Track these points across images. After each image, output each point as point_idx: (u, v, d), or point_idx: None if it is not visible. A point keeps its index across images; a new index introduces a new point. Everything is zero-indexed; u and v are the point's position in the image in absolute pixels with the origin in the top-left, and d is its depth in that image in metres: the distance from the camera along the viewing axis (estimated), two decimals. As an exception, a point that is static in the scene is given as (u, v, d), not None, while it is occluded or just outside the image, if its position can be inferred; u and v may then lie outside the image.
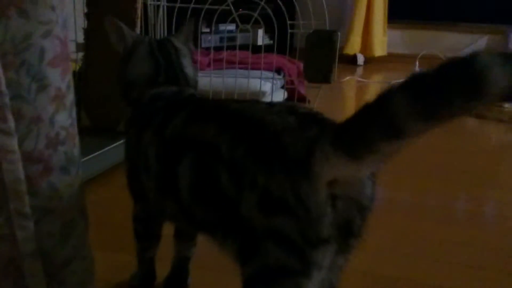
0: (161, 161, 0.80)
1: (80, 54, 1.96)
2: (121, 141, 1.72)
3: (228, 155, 0.68)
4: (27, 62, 0.63)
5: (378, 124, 0.51)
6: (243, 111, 0.73)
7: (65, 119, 0.69)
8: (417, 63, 3.67)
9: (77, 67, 2.06)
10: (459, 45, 4.44)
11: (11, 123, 0.62)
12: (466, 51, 4.39)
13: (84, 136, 1.75)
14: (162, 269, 1.05)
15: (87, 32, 1.92)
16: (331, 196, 0.61)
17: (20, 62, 0.63)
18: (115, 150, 1.69)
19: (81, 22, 1.92)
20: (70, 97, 0.70)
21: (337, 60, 1.90)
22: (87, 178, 1.53)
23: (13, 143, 0.62)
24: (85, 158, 1.55)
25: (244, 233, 0.65)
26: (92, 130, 1.83)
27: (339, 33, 1.84)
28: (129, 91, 0.96)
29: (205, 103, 0.84)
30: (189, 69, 0.97)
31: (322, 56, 1.84)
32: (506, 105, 2.81)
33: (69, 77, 0.69)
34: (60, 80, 0.67)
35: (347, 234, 0.64)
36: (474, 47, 4.46)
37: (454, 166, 1.91)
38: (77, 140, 0.72)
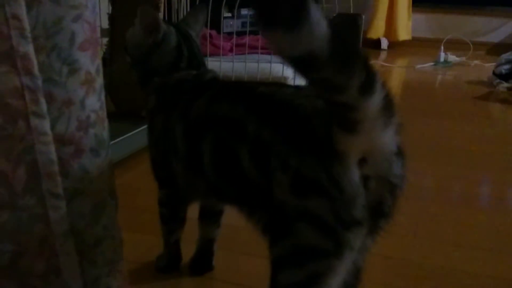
0: (188, 140, 0.82)
1: (105, 40, 1.98)
2: (145, 126, 1.74)
3: (254, 135, 0.69)
4: (58, 46, 0.65)
5: None
6: (271, 94, 0.74)
7: (95, 102, 0.70)
8: (442, 47, 3.60)
9: (102, 53, 2.08)
10: (485, 29, 4.35)
11: (44, 106, 0.64)
12: (493, 35, 4.31)
13: (109, 121, 1.80)
14: (188, 251, 1.07)
15: (111, 17, 1.93)
16: (362, 176, 0.61)
17: (51, 46, 0.64)
18: (140, 134, 1.71)
19: (106, 8, 1.94)
20: (99, 80, 0.71)
21: (361, 44, 1.88)
22: (113, 162, 1.56)
23: (46, 125, 0.64)
24: (110, 143, 1.57)
25: (275, 213, 0.66)
26: (117, 115, 1.85)
27: (363, 17, 1.82)
28: (149, 78, 0.97)
29: (230, 85, 0.85)
30: (200, 53, 1.00)
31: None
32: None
33: (98, 61, 0.71)
34: (90, 63, 0.69)
35: (377, 214, 0.65)
36: (500, 31, 4.36)
37: (478, 151, 1.89)
38: (106, 122, 0.74)
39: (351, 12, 1.91)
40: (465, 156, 1.83)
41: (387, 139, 0.60)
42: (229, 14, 3.72)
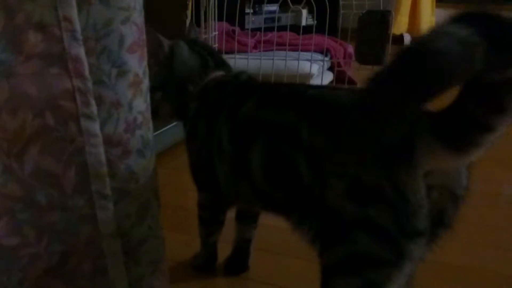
0: (235, 144, 0.81)
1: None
2: (174, 123, 1.75)
3: (309, 141, 0.68)
4: (108, 48, 0.65)
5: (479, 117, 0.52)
6: (323, 97, 0.73)
7: (141, 103, 0.70)
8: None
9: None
10: None
11: (94, 108, 0.64)
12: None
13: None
14: (223, 250, 1.07)
15: (139, 15, 1.94)
16: (427, 186, 0.60)
17: (101, 48, 0.64)
18: (168, 132, 1.72)
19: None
20: (146, 82, 0.72)
21: (390, 41, 1.87)
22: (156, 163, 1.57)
23: (96, 127, 0.64)
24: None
25: (329, 220, 0.65)
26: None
27: (392, 13, 1.80)
28: (183, 88, 0.97)
29: (278, 88, 0.85)
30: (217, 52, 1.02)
31: (375, 37, 1.80)
32: None
33: (145, 63, 0.71)
34: (138, 65, 0.69)
35: (439, 224, 0.64)
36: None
37: (502, 150, 1.86)
38: (151, 124, 0.74)
39: (381, 8, 1.89)
40: (488, 158, 1.80)
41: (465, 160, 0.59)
42: (252, 11, 3.71)
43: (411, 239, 0.60)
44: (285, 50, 2.43)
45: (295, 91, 0.79)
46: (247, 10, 3.69)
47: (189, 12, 1.86)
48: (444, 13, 4.39)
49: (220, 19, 2.80)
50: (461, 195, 0.64)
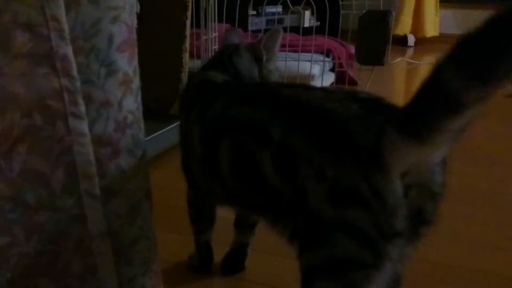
0: (204, 143, 0.82)
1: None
2: (173, 125, 1.75)
3: (278, 140, 0.67)
4: (97, 47, 0.65)
5: (436, 101, 0.50)
6: (297, 97, 0.71)
7: (132, 103, 0.70)
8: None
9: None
10: (516, 25, 4.24)
11: (82, 107, 0.64)
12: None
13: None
14: (220, 251, 1.07)
15: (140, 16, 1.94)
16: (404, 186, 0.59)
17: (90, 47, 0.64)
18: (168, 133, 1.71)
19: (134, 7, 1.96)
20: (136, 81, 0.71)
21: (390, 41, 1.86)
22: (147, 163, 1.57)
23: (84, 126, 0.64)
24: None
25: (308, 222, 0.64)
26: (144, 114, 1.86)
27: (393, 14, 1.79)
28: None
29: (250, 86, 0.85)
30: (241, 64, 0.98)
31: (375, 37, 1.79)
32: None
33: (135, 62, 0.71)
34: (128, 65, 0.69)
35: (418, 222, 0.63)
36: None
37: (507, 150, 1.84)
38: (142, 123, 0.74)
39: (381, 8, 1.88)
40: (493, 155, 1.79)
41: (439, 151, 0.57)
42: (254, 12, 3.71)
43: (389, 240, 0.60)
44: (290, 51, 2.43)
45: (268, 89, 0.79)
46: (250, 12, 3.70)
47: (189, 13, 1.86)
48: (448, 14, 4.38)
49: (222, 21, 2.80)
50: (438, 192, 0.63)
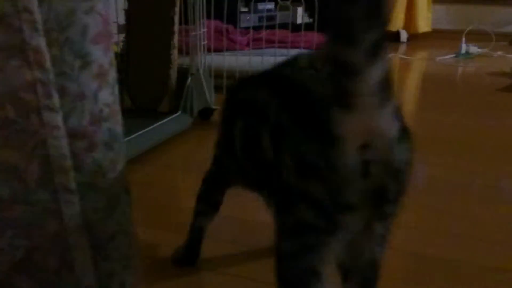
0: (225, 124, 0.93)
1: (122, 36, 1.99)
2: (163, 121, 1.74)
3: (274, 119, 0.71)
4: (70, 39, 0.64)
5: (338, 68, 0.55)
6: (292, 76, 0.78)
7: (108, 95, 0.69)
8: (464, 39, 3.53)
9: (119, 49, 2.09)
10: (508, 20, 4.25)
11: (56, 100, 0.63)
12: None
13: (126, 116, 1.80)
14: (214, 250, 1.06)
15: (128, 13, 1.93)
16: (363, 161, 0.61)
17: (63, 39, 0.63)
18: (157, 130, 1.71)
19: (122, 3, 1.94)
20: (113, 74, 0.70)
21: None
22: (129, 158, 1.56)
23: (58, 119, 0.63)
24: (127, 138, 1.57)
25: (283, 194, 0.69)
26: (134, 111, 1.86)
27: None
28: None
29: (265, 70, 0.88)
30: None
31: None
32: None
33: (111, 53, 0.70)
34: (103, 56, 0.68)
35: (382, 200, 0.65)
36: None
37: (500, 145, 1.84)
38: (119, 117, 0.73)
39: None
40: (487, 149, 1.79)
41: (385, 121, 0.58)
42: (246, 9, 3.70)
43: (342, 212, 0.64)
44: (279, 47, 2.42)
45: (275, 71, 0.85)
46: (242, 9, 3.68)
47: (177, 9, 1.85)
48: (441, 9, 4.38)
49: (213, 17, 2.78)
50: (401, 169, 0.64)
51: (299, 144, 0.65)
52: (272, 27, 2.89)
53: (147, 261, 1.06)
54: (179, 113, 1.81)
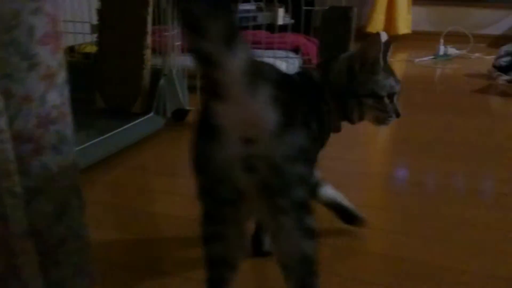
0: None
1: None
2: (135, 122, 1.72)
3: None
4: (16, 40, 0.62)
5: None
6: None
7: (56, 97, 0.68)
8: (442, 40, 3.56)
9: (94, 49, 2.07)
10: (486, 22, 4.30)
11: (1, 103, 0.61)
12: (494, 27, 4.26)
13: (99, 117, 1.79)
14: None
15: (100, 13, 1.91)
16: (246, 156, 0.65)
17: (9, 40, 0.62)
18: (129, 131, 1.69)
19: (95, 3, 1.92)
20: (62, 75, 0.69)
21: (353, 38, 1.85)
22: (100, 159, 1.54)
23: (2, 122, 0.62)
24: (97, 139, 1.55)
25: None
26: (107, 112, 1.84)
27: (355, 10, 1.79)
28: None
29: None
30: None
31: (338, 34, 1.79)
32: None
33: (60, 54, 0.68)
34: (51, 57, 0.66)
35: (270, 194, 0.68)
36: (501, 23, 4.31)
37: (477, 145, 1.85)
38: (69, 118, 0.71)
39: (343, 5, 1.87)
40: (463, 150, 1.80)
41: (259, 111, 0.62)
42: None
43: (225, 203, 0.72)
44: (260, 48, 2.42)
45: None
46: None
47: (150, 9, 1.83)
48: (421, 11, 4.41)
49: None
50: (281, 164, 0.66)
51: (197, 139, 0.71)
52: (254, 28, 2.88)
53: (106, 266, 1.04)
54: (151, 114, 1.79)
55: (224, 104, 0.59)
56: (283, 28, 3.22)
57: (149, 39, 1.84)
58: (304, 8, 2.02)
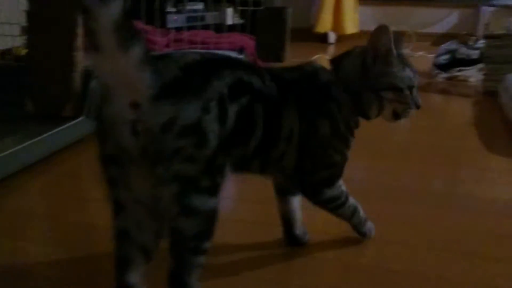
0: None
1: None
2: (63, 127, 1.67)
3: None
4: None
5: None
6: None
7: None
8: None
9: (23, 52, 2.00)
10: (431, 20, 4.41)
11: None
12: (438, 26, 4.37)
13: (28, 121, 1.72)
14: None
15: (29, 14, 1.84)
16: (130, 120, 0.70)
17: None
18: (57, 136, 1.63)
19: (23, 4, 1.85)
20: None
21: (289, 37, 1.86)
22: (29, 164, 1.48)
23: None
24: (25, 144, 1.49)
25: None
26: (36, 116, 1.77)
27: (289, 10, 1.79)
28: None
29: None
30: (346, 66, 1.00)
31: (273, 34, 1.79)
32: (472, 79, 2.79)
33: None
34: None
35: (149, 160, 0.73)
36: (446, 21, 4.44)
37: (415, 144, 1.88)
38: None
39: (277, 5, 1.87)
40: (403, 149, 1.82)
41: (130, 67, 0.67)
42: (174, 9, 3.63)
43: (108, 161, 0.76)
44: (202, 48, 2.39)
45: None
46: (170, 9, 3.62)
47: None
48: (367, 10, 4.48)
49: (138, 18, 2.72)
50: (156, 131, 0.70)
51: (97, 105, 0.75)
52: (203, 28, 2.87)
53: (29, 276, 1.00)
54: (82, 117, 1.74)
55: (98, 55, 0.66)
56: (233, 28, 3.21)
57: (80, 41, 1.78)
58: (251, 8, 2.01)
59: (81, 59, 1.79)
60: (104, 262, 0.99)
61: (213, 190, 0.80)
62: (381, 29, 0.94)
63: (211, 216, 0.80)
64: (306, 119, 0.93)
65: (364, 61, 0.96)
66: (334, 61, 1.01)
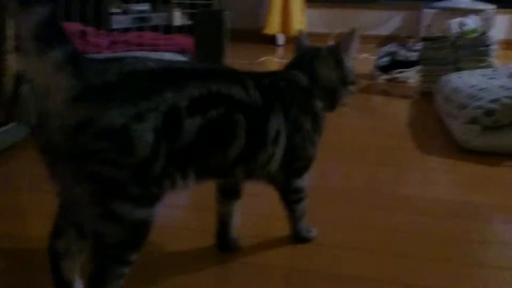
0: None
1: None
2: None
3: None
4: None
5: None
6: None
7: None
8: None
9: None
10: (376, 22, 4.51)
11: None
12: (383, 28, 4.48)
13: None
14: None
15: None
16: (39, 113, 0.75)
17: None
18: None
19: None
20: None
21: (227, 40, 1.86)
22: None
23: None
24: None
25: None
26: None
27: (227, 13, 1.79)
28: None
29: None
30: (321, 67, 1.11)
31: (211, 37, 1.78)
32: (411, 80, 2.88)
33: None
34: None
35: (63, 156, 0.75)
36: (390, 23, 4.55)
37: (357, 145, 1.90)
38: None
39: (216, 7, 1.87)
40: (343, 149, 1.84)
41: (46, 69, 0.70)
42: (118, 10, 3.57)
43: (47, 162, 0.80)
44: (144, 50, 2.36)
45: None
46: (115, 10, 3.55)
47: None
48: (314, 13, 4.54)
49: (76, 19, 2.66)
50: (66, 131, 0.73)
51: None
52: (148, 29, 2.82)
53: None
54: (14, 123, 1.68)
55: (24, 57, 0.69)
56: (181, 29, 3.18)
57: (12, 44, 1.72)
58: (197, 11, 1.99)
59: (13, 63, 1.73)
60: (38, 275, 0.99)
61: (144, 200, 0.78)
62: (353, 32, 1.09)
63: (139, 227, 0.78)
64: (291, 118, 1.01)
65: (338, 59, 1.09)
66: (302, 65, 1.10)
